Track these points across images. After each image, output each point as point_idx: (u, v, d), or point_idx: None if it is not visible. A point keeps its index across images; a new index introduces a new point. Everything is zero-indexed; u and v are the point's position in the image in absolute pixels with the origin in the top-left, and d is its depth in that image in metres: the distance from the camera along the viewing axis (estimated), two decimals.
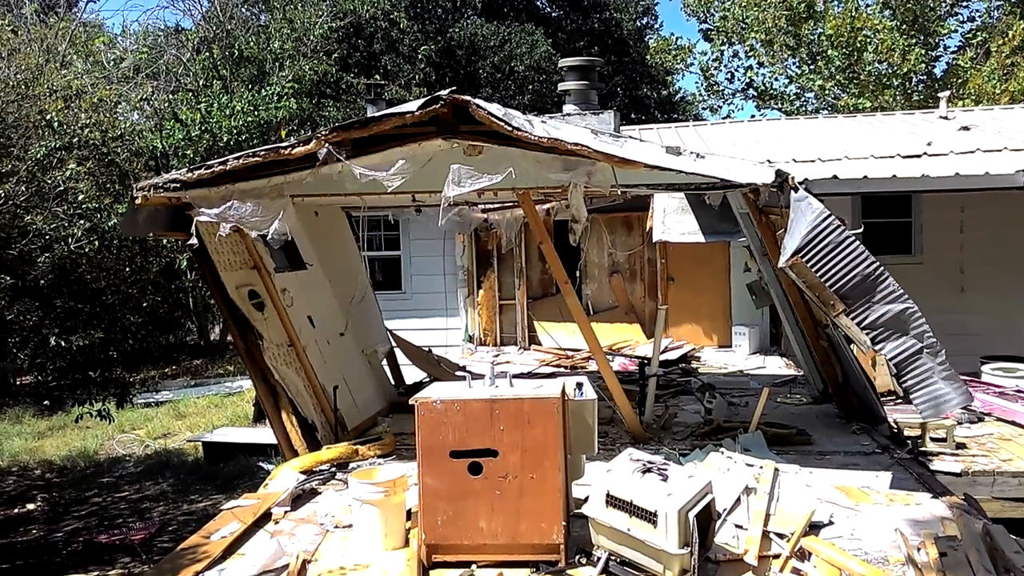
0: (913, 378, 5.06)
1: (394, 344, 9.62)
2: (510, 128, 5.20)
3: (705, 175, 5.40)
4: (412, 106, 5.30)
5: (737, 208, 8.33)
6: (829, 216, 5.03)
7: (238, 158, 5.67)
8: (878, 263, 5.04)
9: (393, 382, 9.35)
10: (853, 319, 5.08)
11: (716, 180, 5.47)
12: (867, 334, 5.07)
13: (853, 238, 5.03)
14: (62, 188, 7.54)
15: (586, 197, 6.60)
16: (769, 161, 9.75)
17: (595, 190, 6.46)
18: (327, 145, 5.36)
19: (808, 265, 5.02)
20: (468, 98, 5.26)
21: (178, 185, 5.76)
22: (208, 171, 5.69)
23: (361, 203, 7.85)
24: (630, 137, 5.44)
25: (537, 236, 7.49)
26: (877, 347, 5.08)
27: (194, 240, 5.85)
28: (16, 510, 9.17)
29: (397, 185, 5.40)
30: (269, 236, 5.95)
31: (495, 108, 5.25)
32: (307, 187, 6.11)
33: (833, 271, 5.01)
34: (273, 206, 5.98)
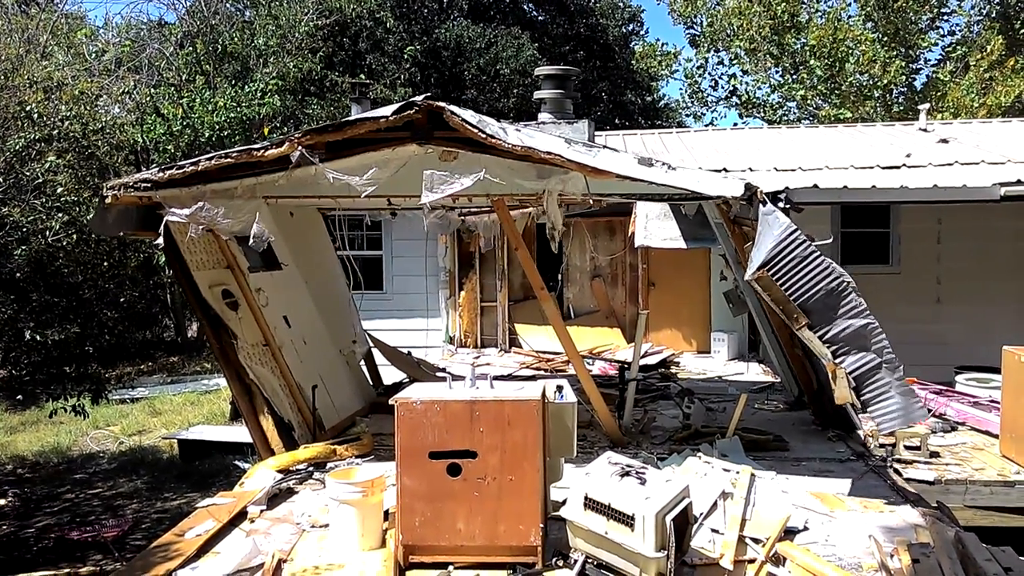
0: (871, 391, 5.16)
1: (372, 345, 9.59)
2: (484, 135, 5.22)
3: (676, 187, 5.43)
4: (386, 111, 5.30)
5: (712, 218, 8.41)
6: (796, 231, 5.10)
7: (210, 159, 5.64)
8: (842, 278, 5.13)
9: (371, 383, 9.32)
10: (816, 332, 5.16)
11: (687, 191, 5.51)
12: (828, 347, 5.16)
13: (818, 253, 5.11)
14: (41, 180, 7.45)
15: (564, 203, 6.62)
16: (751, 169, 9.86)
17: (570, 198, 6.49)
18: (300, 148, 5.34)
19: (774, 279, 5.08)
20: (443, 104, 5.27)
21: (149, 185, 5.71)
22: (180, 171, 5.65)
23: (335, 205, 7.83)
24: (604, 147, 5.46)
25: (512, 243, 7.46)
26: (837, 360, 5.17)
27: (160, 240, 5.80)
28: None
29: (371, 190, 5.39)
30: (251, 241, 5.90)
31: (469, 115, 5.26)
32: (281, 189, 6.08)
33: (798, 285, 5.08)
34: (246, 207, 5.94)
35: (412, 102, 5.26)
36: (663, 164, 5.34)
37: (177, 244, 6.23)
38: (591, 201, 6.83)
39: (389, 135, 5.50)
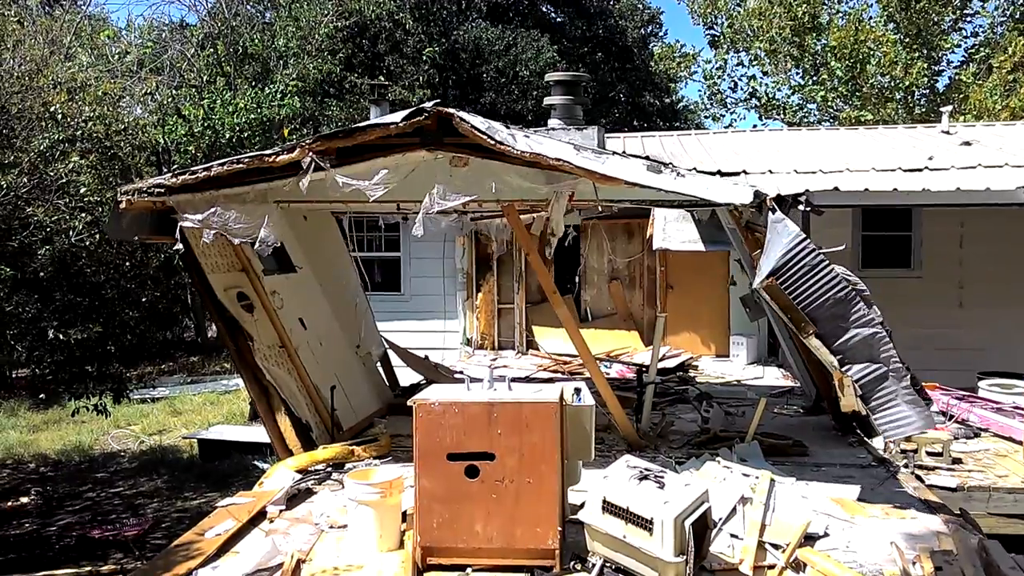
0: (877, 400, 5.16)
1: (387, 347, 9.59)
2: (493, 142, 5.24)
3: (685, 194, 5.42)
4: (396, 117, 5.35)
5: (725, 223, 8.38)
6: (805, 239, 5.09)
7: (223, 165, 5.71)
8: (850, 287, 5.13)
9: (388, 384, 9.34)
10: (824, 341, 5.14)
11: (697, 198, 5.49)
12: (836, 356, 5.14)
13: (827, 262, 5.10)
14: (64, 181, 7.51)
15: (575, 208, 6.63)
16: (771, 171, 9.79)
17: (582, 203, 6.49)
18: (311, 154, 5.39)
19: (782, 287, 5.06)
20: (452, 111, 5.30)
21: (163, 190, 5.77)
22: (193, 177, 5.71)
23: (346, 209, 7.88)
24: (613, 153, 5.46)
25: (524, 248, 7.42)
26: (844, 368, 5.16)
27: (179, 246, 5.86)
28: (9, 503, 9.15)
29: (380, 195, 5.43)
30: (256, 245, 5.92)
31: (478, 121, 5.29)
32: (292, 194, 6.12)
33: (806, 294, 5.07)
34: (257, 212, 5.98)
35: (422, 108, 5.29)
36: (672, 171, 5.32)
37: (192, 248, 6.28)
38: (598, 209, 6.82)
39: (399, 141, 5.53)
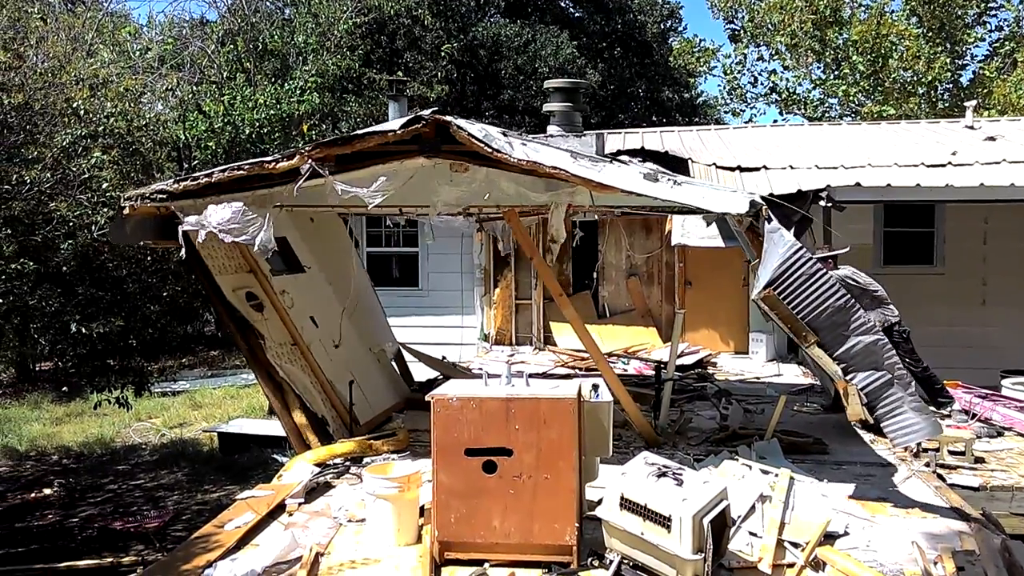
0: (884, 408, 5.13)
1: (400, 345, 9.58)
2: (490, 150, 5.26)
3: (681, 202, 5.39)
4: (394, 125, 5.39)
5: (733, 226, 8.36)
6: (800, 248, 5.09)
7: (224, 171, 5.76)
8: (848, 295, 5.12)
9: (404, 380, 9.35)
10: (825, 350, 5.11)
11: (694, 206, 5.48)
12: (839, 365, 5.11)
13: (824, 270, 5.10)
14: (86, 176, 7.59)
15: (577, 212, 6.65)
16: (791, 166, 9.72)
17: (582, 208, 6.50)
18: (310, 161, 5.42)
19: (780, 297, 5.04)
20: (449, 119, 5.33)
21: (165, 196, 5.83)
22: (194, 183, 5.77)
23: (347, 211, 7.92)
24: (611, 159, 5.46)
25: (527, 252, 7.34)
26: (848, 377, 5.13)
27: (183, 252, 5.90)
28: (33, 495, 9.27)
29: (379, 201, 5.46)
30: (255, 248, 5.92)
31: (476, 129, 5.31)
32: (293, 199, 6.14)
33: (805, 303, 5.06)
34: (258, 213, 6.00)
35: (419, 116, 5.34)
36: (669, 179, 5.32)
37: (198, 251, 6.32)
38: (594, 218, 6.83)
39: (397, 148, 5.56)
